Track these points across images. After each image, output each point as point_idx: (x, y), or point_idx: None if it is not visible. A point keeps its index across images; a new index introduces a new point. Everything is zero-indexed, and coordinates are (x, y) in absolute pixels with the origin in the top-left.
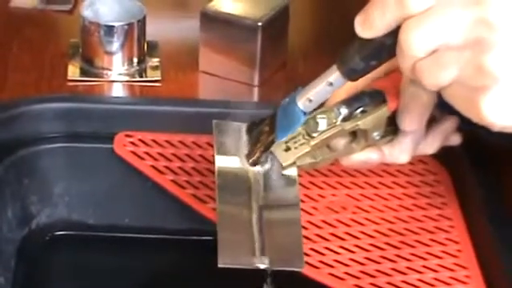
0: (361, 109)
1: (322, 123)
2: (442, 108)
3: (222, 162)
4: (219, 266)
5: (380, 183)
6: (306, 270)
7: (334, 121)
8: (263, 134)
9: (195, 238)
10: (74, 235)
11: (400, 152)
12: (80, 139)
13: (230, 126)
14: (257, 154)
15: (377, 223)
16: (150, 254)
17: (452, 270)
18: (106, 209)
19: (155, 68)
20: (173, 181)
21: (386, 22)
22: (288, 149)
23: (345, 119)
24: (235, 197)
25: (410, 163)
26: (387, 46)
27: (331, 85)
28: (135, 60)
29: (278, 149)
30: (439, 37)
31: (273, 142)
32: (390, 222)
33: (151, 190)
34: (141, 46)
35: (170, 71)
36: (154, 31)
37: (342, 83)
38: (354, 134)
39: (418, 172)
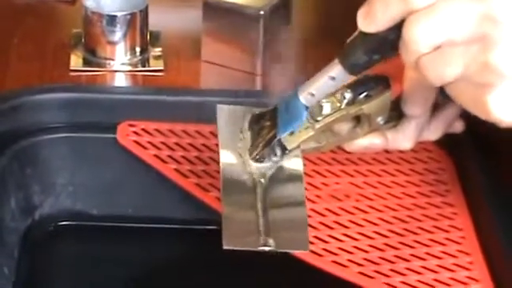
0: (365, 93)
1: (327, 107)
2: (445, 94)
3: (226, 155)
4: (224, 248)
5: (383, 171)
6: (310, 258)
7: (339, 105)
8: (264, 128)
9: (199, 227)
10: (77, 225)
11: (403, 137)
12: (83, 129)
13: (234, 110)
14: (259, 149)
15: (380, 211)
16: (154, 243)
17: (455, 256)
18: (110, 199)
19: (158, 58)
20: (176, 170)
21: (389, 16)
22: (292, 132)
23: (349, 103)
24: (240, 186)
25: (414, 151)
26: (390, 40)
27: (333, 79)
28: (138, 50)
29: None
30: (444, 32)
31: (274, 137)
32: (394, 210)
33: (155, 179)
34: (143, 36)
35: (173, 61)
36: (156, 21)
37: (345, 77)
38: (358, 119)
39: (422, 159)
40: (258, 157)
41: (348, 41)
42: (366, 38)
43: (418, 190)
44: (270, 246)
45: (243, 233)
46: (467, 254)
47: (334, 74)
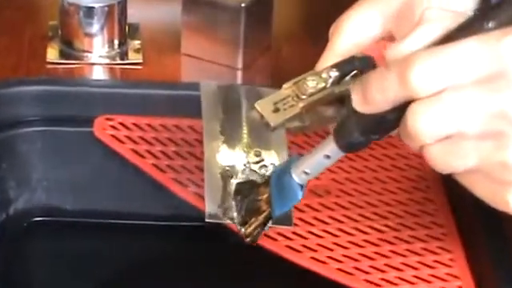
0: (352, 73)
1: (312, 85)
2: None
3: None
4: (206, 220)
5: (365, 167)
6: (288, 254)
7: (324, 84)
8: (256, 205)
9: (177, 223)
10: (52, 221)
11: None
12: (59, 123)
13: (218, 88)
14: (252, 228)
15: (361, 207)
16: (131, 240)
17: (436, 253)
18: (86, 194)
19: (136, 50)
20: (154, 165)
21: (387, 100)
22: (277, 110)
23: (335, 83)
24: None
25: (395, 146)
26: (390, 120)
27: (328, 157)
28: (116, 42)
29: (266, 109)
30: (452, 125)
31: (270, 218)
32: (374, 206)
33: (132, 174)
34: (122, 28)
35: (152, 54)
36: (135, 13)
37: (340, 155)
38: (343, 100)
39: (403, 155)
40: (251, 236)
41: (342, 119)
42: (361, 118)
43: (399, 185)
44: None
45: (226, 206)
46: (448, 251)
47: (329, 152)
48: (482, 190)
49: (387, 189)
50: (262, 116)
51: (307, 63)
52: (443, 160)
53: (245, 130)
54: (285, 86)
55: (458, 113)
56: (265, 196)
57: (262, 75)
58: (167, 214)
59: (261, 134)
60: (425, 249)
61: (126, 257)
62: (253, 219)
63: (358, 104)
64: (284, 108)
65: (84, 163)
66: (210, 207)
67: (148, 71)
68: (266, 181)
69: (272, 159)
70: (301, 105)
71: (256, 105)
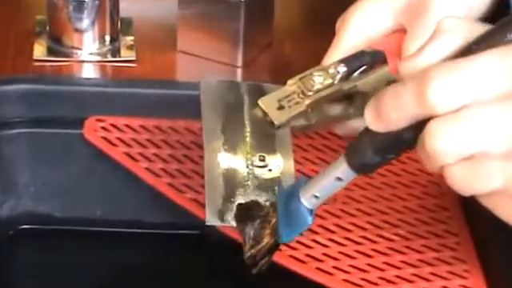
0: (360, 69)
1: (318, 81)
2: None
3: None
4: (206, 224)
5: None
6: (292, 265)
7: (331, 80)
8: (262, 232)
9: (172, 231)
10: (39, 229)
11: None
12: (47, 124)
13: (218, 84)
14: (258, 258)
15: (369, 214)
16: (123, 249)
17: (450, 263)
18: (75, 200)
19: (129, 47)
20: (147, 169)
21: (403, 117)
22: (281, 107)
23: (342, 79)
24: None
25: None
26: (406, 139)
27: (340, 180)
28: (107, 38)
29: (270, 107)
30: (475, 144)
31: (277, 247)
32: (384, 213)
33: (124, 179)
34: (114, 23)
35: (146, 51)
36: (128, 7)
37: (353, 177)
38: (351, 98)
39: (414, 159)
40: (257, 266)
41: (355, 138)
42: (375, 137)
43: (410, 191)
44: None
45: (227, 209)
46: (462, 261)
47: (341, 174)
48: (507, 212)
49: (397, 195)
50: (265, 114)
51: (312, 61)
52: (466, 182)
53: (247, 129)
54: (290, 82)
55: (481, 130)
56: (271, 222)
57: (264, 74)
58: (162, 222)
59: (264, 133)
60: (438, 259)
61: (118, 267)
62: (259, 247)
63: (372, 122)
64: (289, 105)
65: (73, 167)
66: (210, 210)
67: (142, 69)
68: (272, 205)
69: (276, 161)
70: (307, 102)
71: (259, 102)
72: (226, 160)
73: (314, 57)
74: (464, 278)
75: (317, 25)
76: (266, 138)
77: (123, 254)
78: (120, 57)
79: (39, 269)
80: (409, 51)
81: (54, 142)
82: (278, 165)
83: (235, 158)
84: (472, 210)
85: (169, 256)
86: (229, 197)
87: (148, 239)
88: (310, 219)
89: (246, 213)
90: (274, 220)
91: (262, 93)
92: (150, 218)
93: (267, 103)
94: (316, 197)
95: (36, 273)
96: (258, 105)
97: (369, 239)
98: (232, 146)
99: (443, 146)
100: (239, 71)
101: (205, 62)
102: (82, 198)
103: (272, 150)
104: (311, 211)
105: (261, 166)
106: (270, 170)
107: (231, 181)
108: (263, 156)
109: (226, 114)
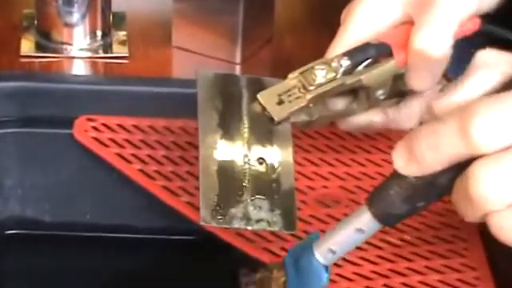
0: (365, 62)
1: (321, 75)
2: (452, 73)
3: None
4: (200, 223)
5: (378, 173)
6: None
7: (334, 74)
8: None
9: (167, 237)
10: (27, 234)
11: (406, 116)
12: (35, 124)
13: (216, 77)
14: None
15: None
16: (114, 255)
17: (459, 271)
18: (65, 204)
19: (122, 43)
20: (141, 171)
21: (441, 159)
22: (281, 102)
23: (346, 73)
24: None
25: None
26: (440, 184)
27: (362, 232)
28: (99, 33)
29: (270, 101)
30: None
31: None
32: None
33: (116, 181)
34: (105, 18)
35: (139, 46)
36: (120, 0)
37: (377, 229)
38: (355, 93)
39: None
40: None
41: (381, 184)
42: (404, 183)
43: None
44: (251, 226)
45: (223, 209)
46: (472, 268)
47: (363, 225)
48: None
49: None
50: (264, 109)
51: (314, 56)
52: None
53: (245, 125)
54: (290, 75)
55: None
56: (280, 281)
57: (263, 70)
58: (156, 227)
59: (263, 129)
60: (446, 266)
61: (109, 274)
62: None
63: (404, 166)
64: (289, 100)
65: (63, 169)
66: (205, 210)
67: (135, 66)
68: (279, 264)
69: (275, 159)
70: (308, 97)
71: (258, 96)
72: (222, 157)
73: (318, 52)
74: (474, 285)
75: (321, 18)
76: (265, 134)
77: (114, 260)
78: (112, 53)
79: (27, 276)
80: (416, 43)
81: (43, 143)
82: (277, 163)
83: (232, 155)
84: None
85: (162, 263)
86: (225, 196)
87: (141, 244)
88: (325, 276)
89: (252, 280)
90: (282, 279)
91: (261, 87)
92: (144, 223)
93: (266, 98)
94: (333, 251)
95: (24, 280)
96: (256, 99)
97: (374, 245)
98: (229, 143)
99: (490, 191)
100: (237, 68)
101: (201, 59)
102: (72, 202)
103: (271, 147)
104: (326, 268)
105: (258, 164)
106: (267, 169)
107: (227, 179)
108: (261, 154)
109: (223, 109)
